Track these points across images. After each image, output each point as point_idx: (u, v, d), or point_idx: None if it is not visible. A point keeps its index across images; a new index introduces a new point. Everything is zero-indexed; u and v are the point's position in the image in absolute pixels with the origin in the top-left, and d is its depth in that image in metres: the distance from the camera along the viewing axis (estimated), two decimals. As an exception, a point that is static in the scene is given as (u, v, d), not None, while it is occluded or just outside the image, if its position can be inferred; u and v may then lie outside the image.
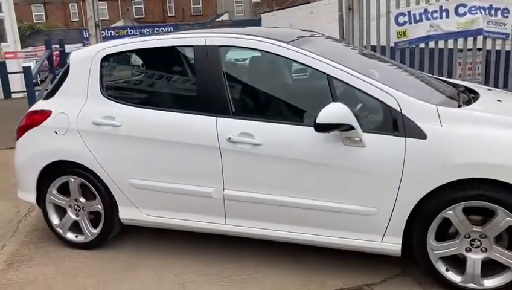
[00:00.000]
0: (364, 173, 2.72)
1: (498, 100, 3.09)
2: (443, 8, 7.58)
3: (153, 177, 3.20)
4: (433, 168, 2.60)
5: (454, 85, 3.53)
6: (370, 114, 2.79)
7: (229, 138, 2.93)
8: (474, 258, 2.67)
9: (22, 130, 3.57)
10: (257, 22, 30.24)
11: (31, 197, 3.59)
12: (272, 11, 27.84)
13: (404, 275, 2.98)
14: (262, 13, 30.54)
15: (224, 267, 3.17)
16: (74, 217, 3.52)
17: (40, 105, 3.60)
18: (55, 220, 3.58)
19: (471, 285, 2.69)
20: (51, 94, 3.58)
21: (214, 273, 3.11)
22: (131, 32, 30.37)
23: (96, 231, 3.48)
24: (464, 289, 2.71)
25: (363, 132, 2.69)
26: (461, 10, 7.63)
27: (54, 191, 3.51)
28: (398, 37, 7.63)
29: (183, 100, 3.26)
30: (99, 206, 3.41)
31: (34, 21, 42.60)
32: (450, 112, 2.68)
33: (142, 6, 45.97)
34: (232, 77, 3.08)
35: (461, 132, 2.60)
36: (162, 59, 3.32)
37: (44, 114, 3.47)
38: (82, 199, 3.47)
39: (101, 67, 3.36)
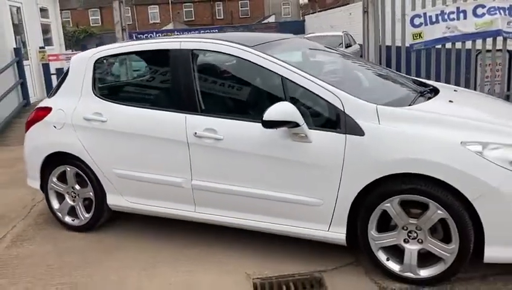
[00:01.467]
0: (310, 166, 2.94)
1: (450, 101, 3.21)
2: (460, 9, 7.56)
3: (133, 167, 3.56)
4: (369, 163, 2.79)
5: (424, 85, 3.67)
6: (317, 112, 3.00)
7: (195, 133, 3.24)
8: (411, 249, 2.83)
9: (29, 124, 4.05)
10: (300, 24, 30.45)
11: (36, 184, 4.06)
12: (315, 12, 27.91)
13: (356, 265, 3.16)
14: (306, 15, 30.65)
15: (194, 251, 3.47)
16: (71, 203, 3.95)
17: (44, 102, 4.06)
18: (55, 205, 4.02)
19: (409, 274, 2.85)
20: (53, 93, 4.03)
21: (184, 257, 3.41)
22: (177, 33, 31.44)
23: (88, 216, 3.89)
24: (402, 277, 2.87)
25: (311, 128, 2.91)
26: (479, 11, 7.57)
27: (54, 179, 3.95)
28: (414, 39, 7.66)
29: (160, 98, 3.60)
30: (91, 193, 3.81)
31: (91, 25, 44.83)
32: (389, 111, 2.85)
33: (192, 9, 47.18)
34: (201, 77, 3.38)
35: (396, 129, 2.77)
36: (144, 61, 3.68)
37: (46, 110, 3.93)
38: (77, 187, 3.89)
39: (94, 68, 3.77)
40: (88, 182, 3.79)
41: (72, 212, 3.98)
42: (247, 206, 3.22)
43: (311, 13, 29.46)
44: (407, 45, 7.78)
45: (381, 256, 2.92)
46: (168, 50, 3.50)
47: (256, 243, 3.46)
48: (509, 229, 2.60)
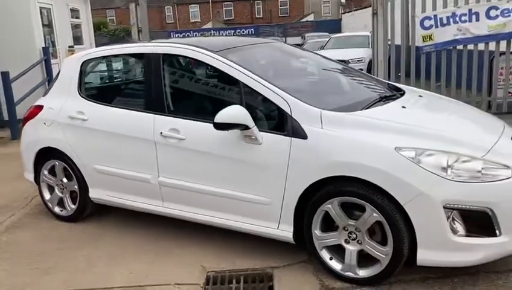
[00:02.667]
0: (260, 167, 3.10)
1: (403, 107, 3.27)
2: (473, 11, 7.45)
3: (110, 163, 3.82)
4: (311, 166, 2.91)
5: (397, 90, 3.75)
6: (268, 116, 3.15)
7: (161, 133, 3.45)
8: (351, 249, 2.94)
9: (25, 121, 4.39)
10: (337, 23, 30.28)
11: (31, 176, 4.40)
12: (351, 11, 27.70)
13: (307, 263, 3.27)
14: (343, 13, 30.44)
15: (161, 244, 3.69)
16: (60, 195, 4.26)
17: (39, 101, 4.39)
18: (47, 196, 4.35)
19: (349, 274, 2.96)
20: (47, 92, 4.35)
21: (150, 249, 3.63)
22: (214, 33, 31.96)
23: (74, 207, 4.18)
24: (343, 276, 2.98)
25: (262, 131, 3.07)
26: (493, 13, 7.44)
27: (46, 172, 4.28)
28: (424, 41, 7.61)
29: (134, 99, 3.84)
30: (76, 187, 4.10)
31: (130, 23, 46.01)
32: (331, 116, 2.96)
33: (232, 8, 47.69)
34: (169, 80, 3.59)
35: (336, 134, 2.88)
36: (122, 64, 3.93)
37: (39, 108, 4.25)
38: (65, 180, 4.19)
39: (80, 70, 4.05)
40: (73, 175, 4.08)
41: (61, 203, 4.28)
42: (205, 203, 3.40)
43: (348, 12, 29.22)
44: (417, 44, 7.74)
45: (325, 255, 3.04)
46: (142, 54, 3.74)
47: (218, 238, 3.63)
48: (438, 234, 2.66)
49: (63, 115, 4.03)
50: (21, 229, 4.20)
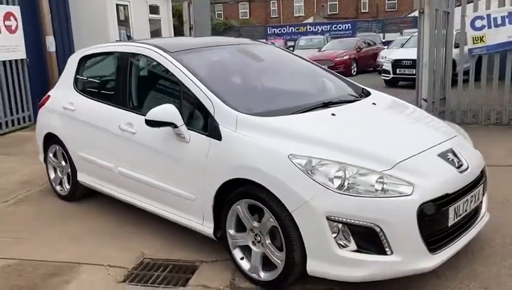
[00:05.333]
0: (187, 164, 3.25)
1: (332, 114, 3.17)
2: (535, 11, 6.71)
3: (88, 151, 4.22)
4: (222, 167, 3.00)
5: (362, 93, 3.68)
6: (197, 115, 3.27)
7: (120, 126, 3.75)
8: (256, 251, 2.98)
9: (39, 108, 4.97)
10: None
11: (41, 157, 4.99)
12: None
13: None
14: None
15: (121, 230, 3.97)
16: (60, 175, 4.78)
17: (50, 91, 4.94)
18: (52, 175, 4.89)
19: (254, 275, 3.00)
20: (55, 83, 4.89)
21: (109, 232, 3.96)
22: (310, 29, 31.85)
23: (69, 188, 4.67)
24: (250, 277, 3.03)
25: (190, 129, 3.21)
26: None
27: (51, 155, 4.82)
28: (474, 43, 7.07)
29: (109, 94, 4.16)
30: (69, 170, 4.58)
31: (240, 18, 47.66)
32: (245, 119, 3.00)
33: (337, 2, 46.94)
34: (133, 77, 3.86)
35: (244, 137, 2.94)
36: (106, 61, 4.29)
37: (47, 98, 4.81)
38: (63, 162, 4.69)
39: (78, 65, 4.51)
40: (67, 159, 4.56)
41: (61, 183, 4.80)
42: (150, 194, 3.64)
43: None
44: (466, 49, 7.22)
45: (237, 254, 3.11)
46: (118, 52, 4.06)
47: (170, 229, 3.82)
48: (323, 246, 2.61)
49: (60, 105, 4.51)
50: (26, 203, 4.80)
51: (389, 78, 13.30)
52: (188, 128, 3.22)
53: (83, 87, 4.46)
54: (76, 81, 4.50)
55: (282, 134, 2.89)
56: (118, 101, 3.90)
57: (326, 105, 3.36)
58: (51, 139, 4.73)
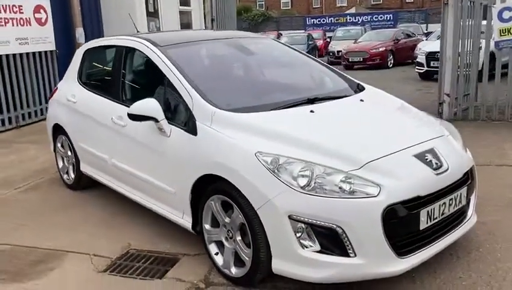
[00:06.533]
0: (168, 158, 3.28)
1: (311, 111, 3.09)
2: None
3: (87, 143, 4.33)
4: (196, 162, 3.01)
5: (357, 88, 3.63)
6: (179, 110, 3.27)
7: (112, 119, 3.83)
8: (228, 247, 2.98)
9: (49, 99, 5.14)
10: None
11: (51, 146, 5.17)
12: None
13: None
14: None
15: (115, 221, 4.05)
16: (66, 165, 4.94)
17: (59, 83, 5.09)
18: (60, 164, 5.06)
19: (226, 270, 3.00)
20: (64, 76, 5.04)
21: (103, 223, 4.05)
22: (350, 19, 31.24)
23: (73, 176, 4.81)
24: (223, 272, 3.03)
25: (171, 124, 3.23)
26: None
27: (59, 145, 4.98)
28: (501, 35, 6.75)
29: (106, 87, 4.23)
30: (74, 159, 4.72)
31: (281, 8, 47.38)
32: (219, 115, 2.99)
33: (381, -8, 45.81)
34: (126, 71, 3.93)
35: (216, 133, 2.93)
36: (104, 55, 4.38)
37: (56, 90, 4.96)
38: (69, 153, 4.84)
39: (82, 57, 4.62)
40: (72, 149, 4.70)
41: (67, 172, 4.96)
42: (138, 186, 3.70)
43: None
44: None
45: (212, 249, 3.11)
46: (115, 46, 4.13)
47: (160, 222, 3.87)
48: (286, 245, 2.58)
49: (65, 97, 4.65)
50: (35, 191, 4.99)
51: (422, 71, 12.87)
52: (170, 123, 3.25)
53: (84, 80, 4.57)
54: (79, 73, 4.62)
55: (254, 131, 2.86)
56: (111, 94, 3.98)
57: (311, 101, 3.29)
58: (58, 130, 4.89)
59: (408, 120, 3.35)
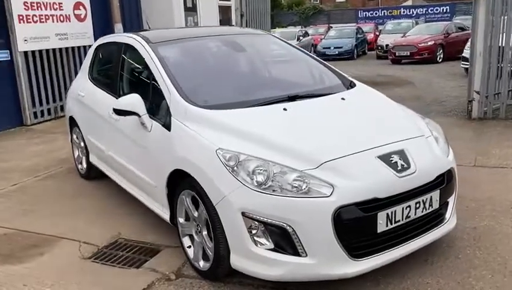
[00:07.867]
0: (149, 153, 3.38)
1: (284, 109, 3.07)
2: None
3: (93, 135, 4.53)
4: (169, 157, 3.09)
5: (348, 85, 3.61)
6: (160, 106, 3.36)
7: (109, 112, 3.99)
8: (197, 241, 3.04)
9: (66, 93, 5.42)
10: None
11: (69, 137, 5.45)
12: None
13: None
14: None
15: (117, 212, 4.19)
16: (80, 155, 5.19)
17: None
18: (75, 154, 5.33)
19: (195, 263, 3.07)
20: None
21: (104, 212, 4.24)
22: (404, 12, 30.23)
23: (85, 166, 5.06)
24: (193, 265, 3.10)
25: (155, 120, 3.33)
26: None
27: (74, 136, 5.25)
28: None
29: (108, 82, 4.40)
30: (85, 150, 4.96)
31: (336, 1, 46.65)
32: (192, 111, 3.05)
33: (440, -17, 43.91)
34: (123, 66, 4.07)
35: (186, 129, 3.00)
36: (109, 51, 4.55)
37: (71, 84, 5.21)
38: (82, 144, 5.08)
39: (94, 53, 4.83)
40: (83, 140, 4.94)
41: (81, 163, 5.21)
42: (130, 178, 3.84)
43: None
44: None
45: (186, 242, 3.19)
46: (117, 42, 4.29)
47: (151, 213, 3.99)
48: (240, 241, 2.61)
49: (77, 91, 4.89)
50: (51, 179, 5.28)
51: (468, 66, 12.27)
52: (152, 118, 3.35)
53: (92, 75, 4.77)
54: (90, 68, 4.83)
55: (221, 128, 2.90)
56: (110, 89, 4.15)
57: (293, 98, 3.28)
58: (73, 122, 5.14)
59: (386, 120, 3.24)
